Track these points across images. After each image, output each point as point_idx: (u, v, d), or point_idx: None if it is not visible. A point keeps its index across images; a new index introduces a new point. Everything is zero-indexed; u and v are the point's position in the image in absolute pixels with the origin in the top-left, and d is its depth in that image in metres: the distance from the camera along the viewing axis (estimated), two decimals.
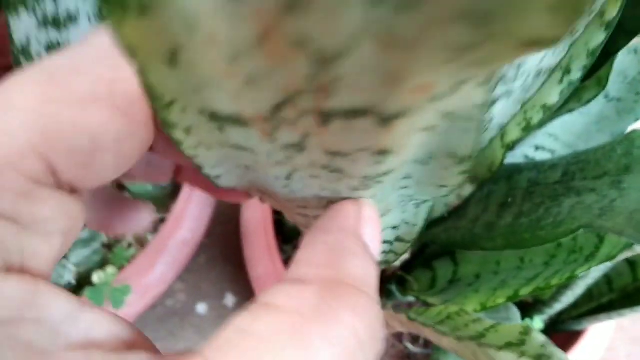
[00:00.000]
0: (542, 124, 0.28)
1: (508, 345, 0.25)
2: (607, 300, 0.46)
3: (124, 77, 0.13)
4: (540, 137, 0.37)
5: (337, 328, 0.12)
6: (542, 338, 0.25)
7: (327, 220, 0.16)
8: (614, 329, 0.78)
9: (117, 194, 0.22)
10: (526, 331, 0.26)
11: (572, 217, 0.27)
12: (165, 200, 0.57)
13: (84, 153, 0.13)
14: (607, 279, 0.47)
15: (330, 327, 0.12)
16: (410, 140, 0.12)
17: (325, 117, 0.10)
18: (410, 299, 0.56)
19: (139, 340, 0.13)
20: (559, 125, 0.37)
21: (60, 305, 0.12)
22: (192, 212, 0.53)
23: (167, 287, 0.51)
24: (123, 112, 0.13)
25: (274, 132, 0.11)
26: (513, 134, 0.30)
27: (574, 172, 0.30)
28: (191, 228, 0.52)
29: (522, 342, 0.25)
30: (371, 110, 0.10)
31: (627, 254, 0.28)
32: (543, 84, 0.25)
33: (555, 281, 0.32)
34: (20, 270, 0.12)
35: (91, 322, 0.12)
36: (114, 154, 0.14)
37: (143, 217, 0.22)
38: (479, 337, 0.27)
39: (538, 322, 0.52)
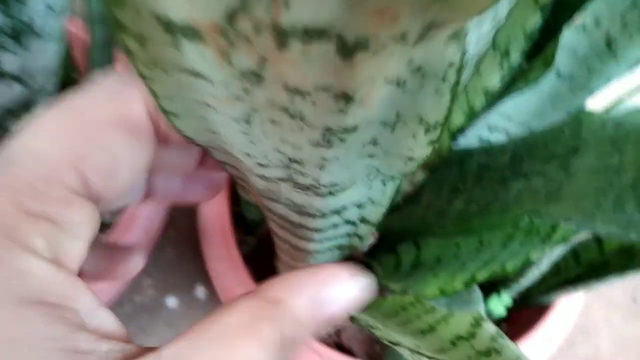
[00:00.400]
0: (486, 108, 0.27)
1: (458, 339, 0.24)
2: (574, 274, 0.46)
3: (132, 108, 0.16)
4: (493, 117, 0.36)
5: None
6: (492, 329, 0.24)
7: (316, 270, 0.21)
8: (592, 295, 0.79)
9: (108, 245, 0.24)
10: (477, 322, 0.25)
11: (519, 202, 0.26)
12: None
13: (108, 166, 0.16)
14: (574, 253, 0.46)
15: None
16: (375, 89, 0.11)
17: (282, 37, 0.10)
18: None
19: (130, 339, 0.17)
20: (511, 104, 0.35)
21: (87, 299, 0.15)
22: (144, 214, 0.51)
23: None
24: (134, 133, 0.17)
25: (230, 51, 0.11)
26: (457, 119, 0.28)
27: (522, 155, 0.28)
28: (145, 228, 0.50)
29: (472, 335, 0.24)
30: (330, 31, 0.09)
31: (581, 237, 0.27)
32: (480, 61, 0.23)
33: (509, 267, 0.31)
34: (60, 265, 0.15)
35: (104, 318, 0.15)
36: (129, 166, 0.17)
37: (134, 264, 0.25)
38: (429, 331, 0.26)
39: (506, 298, 0.52)
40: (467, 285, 0.35)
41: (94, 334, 0.14)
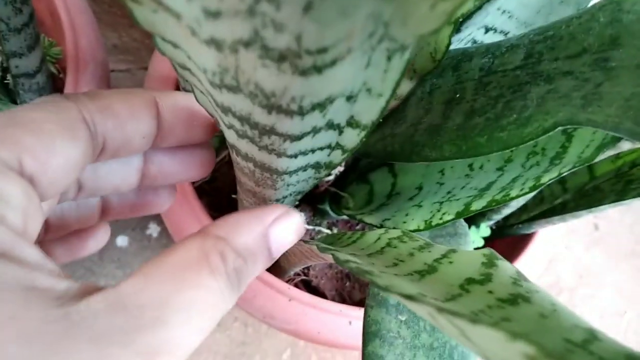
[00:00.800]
0: None
1: (469, 283, 0.19)
2: (560, 201, 0.42)
3: (67, 113, 0.20)
4: (490, 16, 0.30)
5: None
6: (511, 270, 0.19)
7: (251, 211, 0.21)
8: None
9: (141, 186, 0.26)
10: (490, 261, 0.20)
11: (544, 110, 0.21)
12: None
13: (42, 152, 0.18)
14: (560, 179, 0.42)
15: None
16: None
17: None
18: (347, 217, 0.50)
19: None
20: None
21: (33, 252, 0.16)
22: None
23: None
24: (68, 131, 0.19)
25: None
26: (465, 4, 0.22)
27: (540, 52, 0.23)
28: None
29: (486, 278, 0.19)
30: None
31: (609, 153, 0.22)
32: None
33: (514, 192, 0.26)
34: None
35: (53, 268, 0.16)
36: (63, 157, 0.19)
37: (99, 239, 0.27)
38: (428, 272, 0.21)
39: (484, 229, 0.48)
40: (460, 216, 0.30)
41: (48, 273, 0.16)
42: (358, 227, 0.56)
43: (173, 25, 0.13)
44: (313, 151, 0.21)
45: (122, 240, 0.70)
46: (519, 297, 0.16)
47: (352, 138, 0.20)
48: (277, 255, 0.22)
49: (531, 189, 0.25)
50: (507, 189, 0.27)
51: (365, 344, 0.26)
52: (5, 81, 0.52)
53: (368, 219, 0.39)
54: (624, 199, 0.36)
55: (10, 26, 0.40)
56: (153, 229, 0.72)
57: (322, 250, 0.23)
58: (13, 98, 0.53)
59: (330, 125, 0.18)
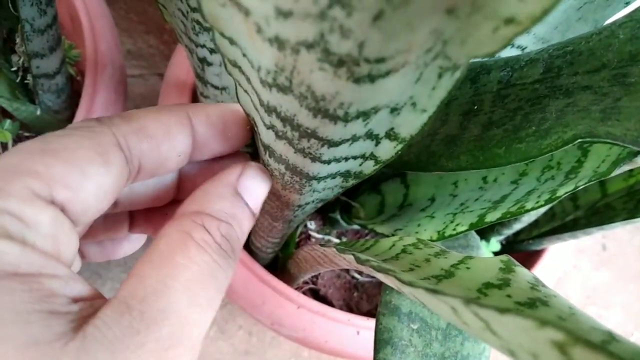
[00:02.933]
0: None
1: (487, 287, 0.19)
2: (571, 218, 0.42)
3: (101, 139, 0.19)
4: None
5: (188, 253, 0.18)
6: (529, 275, 0.19)
7: (214, 179, 0.22)
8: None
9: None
10: (508, 267, 0.20)
11: (563, 123, 0.21)
12: (58, 125, 0.48)
13: (74, 180, 0.18)
14: (572, 195, 0.42)
15: (183, 253, 0.18)
16: None
17: None
18: (359, 227, 0.50)
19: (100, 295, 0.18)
20: None
21: (60, 272, 0.17)
22: None
23: None
24: (102, 158, 0.19)
25: None
26: None
27: (559, 66, 0.23)
28: None
29: (505, 283, 0.19)
30: None
31: (625, 167, 0.22)
32: None
33: (530, 205, 0.26)
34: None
35: (77, 286, 0.17)
36: (95, 184, 0.19)
37: (134, 243, 0.28)
38: (446, 277, 0.21)
39: (494, 244, 0.48)
40: (474, 227, 0.30)
41: (68, 298, 0.16)
42: (368, 237, 0.56)
43: (239, 21, 0.14)
44: (347, 159, 0.21)
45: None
46: (537, 300, 0.17)
47: (387, 150, 0.20)
48: (256, 209, 0.22)
49: (547, 202, 0.25)
50: (522, 201, 0.27)
51: (377, 352, 0.26)
52: (25, 81, 0.53)
53: (380, 229, 0.39)
54: (636, 217, 0.36)
55: (34, 27, 0.40)
56: None
57: (340, 251, 0.23)
58: (32, 98, 0.54)
59: (369, 135, 0.19)
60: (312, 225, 0.52)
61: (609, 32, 0.22)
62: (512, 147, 0.23)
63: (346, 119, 0.16)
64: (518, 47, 0.32)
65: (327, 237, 0.52)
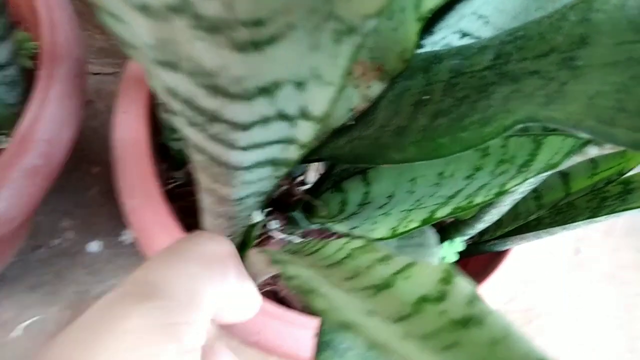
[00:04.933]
0: None
1: (423, 301, 0.18)
2: (535, 217, 0.41)
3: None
4: (465, 20, 0.29)
5: None
6: (467, 288, 0.18)
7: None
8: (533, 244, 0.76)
9: None
10: (448, 277, 0.19)
11: (506, 109, 0.20)
12: (11, 119, 0.46)
13: None
14: (536, 194, 0.41)
15: None
16: None
17: None
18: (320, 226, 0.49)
19: None
20: (490, 1, 0.28)
21: None
22: (43, 133, 0.42)
23: (15, 226, 0.41)
24: None
25: None
26: None
27: (509, 52, 0.22)
28: (43, 153, 0.41)
29: (441, 296, 0.18)
30: None
31: (575, 159, 0.21)
32: None
33: (479, 199, 0.25)
34: None
35: None
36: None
37: None
38: (384, 287, 0.20)
39: (458, 244, 0.47)
40: (425, 223, 0.29)
41: None
42: (333, 238, 0.55)
43: None
44: (267, 144, 0.20)
45: (94, 246, 0.68)
46: (471, 319, 0.15)
47: (305, 131, 0.18)
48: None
49: (496, 195, 0.24)
50: (473, 195, 0.26)
51: (317, 354, 0.25)
52: None
53: (337, 227, 0.38)
54: (598, 216, 0.35)
55: None
56: (127, 235, 0.70)
57: (273, 263, 0.21)
58: None
59: (282, 116, 0.17)
60: (274, 224, 0.50)
61: (560, 15, 0.21)
62: (456, 136, 0.22)
63: (247, 97, 0.14)
64: (477, 37, 0.30)
65: (289, 237, 0.50)
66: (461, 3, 0.25)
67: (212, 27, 0.11)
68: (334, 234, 0.54)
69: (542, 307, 0.80)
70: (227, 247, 0.25)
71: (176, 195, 0.52)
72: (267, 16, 0.11)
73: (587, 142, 0.20)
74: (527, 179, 0.23)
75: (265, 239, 0.50)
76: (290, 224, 0.51)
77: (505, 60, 0.22)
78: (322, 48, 0.13)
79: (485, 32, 0.30)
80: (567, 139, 0.23)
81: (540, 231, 0.40)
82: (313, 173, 0.56)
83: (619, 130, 0.16)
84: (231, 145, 0.19)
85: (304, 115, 0.17)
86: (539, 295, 0.81)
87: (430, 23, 0.27)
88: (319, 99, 0.16)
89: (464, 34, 0.30)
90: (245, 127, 0.17)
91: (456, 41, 0.30)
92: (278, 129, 0.18)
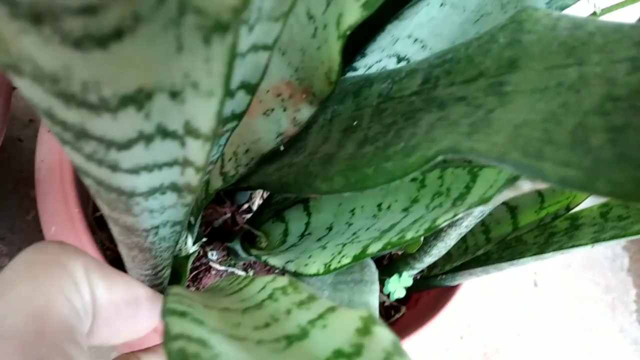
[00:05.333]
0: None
1: (337, 356, 0.15)
2: (483, 252, 0.39)
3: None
4: (400, 43, 0.27)
5: None
6: (387, 339, 0.15)
7: None
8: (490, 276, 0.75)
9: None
10: (366, 328, 0.16)
11: (430, 138, 0.18)
12: None
13: None
14: (484, 228, 0.40)
15: None
16: None
17: None
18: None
19: None
20: (425, 25, 0.27)
21: None
22: None
23: None
24: None
25: None
26: (351, 13, 0.19)
27: (437, 76, 0.20)
28: None
29: (357, 350, 0.15)
30: None
31: (508, 194, 0.19)
32: None
33: (410, 234, 0.23)
34: None
35: None
36: None
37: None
38: (297, 339, 0.17)
39: (406, 279, 0.45)
40: (357, 259, 0.27)
41: None
42: (278, 271, 0.52)
43: None
44: (159, 167, 0.17)
45: None
46: None
47: (197, 152, 0.16)
48: None
49: (426, 231, 0.22)
50: (405, 230, 0.24)
51: None
52: None
53: (272, 261, 0.35)
54: (546, 252, 0.34)
55: None
56: None
57: (164, 313, 0.19)
58: None
59: (165, 133, 0.15)
60: (213, 255, 0.47)
61: (489, 37, 0.19)
62: (380, 166, 0.20)
63: (109, 108, 0.12)
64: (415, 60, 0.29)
65: (230, 269, 0.47)
66: (391, 24, 0.23)
67: (33, 16, 0.09)
68: (267, 268, 0.52)
69: (499, 342, 0.78)
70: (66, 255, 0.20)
71: (105, 223, 0.49)
72: (99, 1, 0.09)
73: (518, 176, 0.18)
74: (457, 215, 0.21)
75: (204, 270, 0.47)
76: (232, 256, 0.48)
77: (433, 85, 0.20)
78: (190, 49, 0.11)
79: (422, 55, 0.28)
80: (502, 172, 0.21)
81: (489, 266, 0.38)
82: (258, 200, 0.53)
83: (546, 165, 0.14)
84: (114, 168, 0.16)
85: (190, 132, 0.15)
86: (495, 329, 0.79)
87: (361, 44, 0.26)
88: (202, 113, 0.14)
89: (401, 58, 0.28)
90: (122, 145, 0.15)
91: (393, 65, 0.28)
92: (165, 149, 0.16)
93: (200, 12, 0.10)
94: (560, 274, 0.87)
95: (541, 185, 0.19)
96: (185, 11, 0.10)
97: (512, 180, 0.19)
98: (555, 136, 0.15)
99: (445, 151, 0.16)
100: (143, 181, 0.18)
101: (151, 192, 0.19)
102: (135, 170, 0.17)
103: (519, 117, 0.16)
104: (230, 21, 0.10)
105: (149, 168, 0.17)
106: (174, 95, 0.13)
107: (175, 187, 0.19)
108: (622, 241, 0.72)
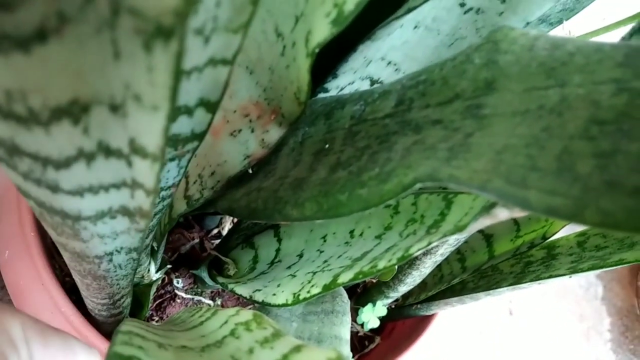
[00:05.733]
0: (359, 8, 0.17)
1: None
2: (459, 281, 0.38)
3: None
4: (374, 66, 0.26)
5: None
6: None
7: None
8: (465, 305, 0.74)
9: None
10: None
11: (406, 164, 0.17)
12: None
13: None
14: (460, 256, 0.38)
15: None
16: None
17: None
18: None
19: None
20: (399, 47, 0.26)
21: None
22: None
23: None
24: None
25: None
26: (320, 30, 0.18)
27: (411, 98, 0.19)
28: None
29: None
30: None
31: (484, 222, 0.18)
32: None
33: (382, 264, 0.22)
34: None
35: None
36: None
37: None
38: None
39: (380, 308, 0.43)
40: (327, 289, 0.25)
41: None
42: (246, 300, 0.50)
43: None
44: (104, 189, 0.16)
45: None
46: None
47: (146, 173, 0.14)
48: None
49: (399, 260, 0.21)
50: (377, 259, 0.22)
51: None
52: None
53: (239, 290, 0.34)
54: (522, 282, 0.33)
55: None
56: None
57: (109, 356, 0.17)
58: None
59: (108, 151, 0.13)
60: (179, 283, 0.45)
61: (464, 57, 0.18)
62: (354, 192, 0.18)
63: (40, 122, 0.11)
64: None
65: (197, 298, 0.45)
66: (363, 44, 0.22)
67: None
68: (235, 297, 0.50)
69: None
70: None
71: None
72: None
73: (494, 204, 0.17)
74: (430, 243, 0.20)
75: (169, 298, 0.45)
76: (198, 283, 0.46)
77: (408, 107, 0.19)
78: (129, 56, 0.10)
79: (396, 78, 0.27)
80: (477, 199, 0.20)
81: (465, 296, 0.37)
82: (229, 225, 0.52)
83: (531, 193, 0.13)
84: (53, 189, 0.15)
85: (137, 150, 0.13)
86: (471, 358, 0.78)
87: (332, 64, 0.25)
88: (147, 129, 0.12)
89: (374, 81, 0.27)
90: (60, 164, 0.13)
91: (366, 88, 0.27)
92: (110, 169, 0.14)
93: (137, 14, 0.08)
94: (535, 303, 0.87)
95: (518, 214, 0.18)
96: (119, 12, 0.08)
97: (488, 208, 0.17)
98: (540, 162, 0.14)
99: (423, 178, 0.15)
100: (88, 204, 0.16)
101: (99, 215, 0.17)
102: (78, 192, 0.15)
103: (499, 141, 0.15)
104: (173, 26, 0.09)
105: (93, 190, 0.15)
106: (114, 108, 0.12)
107: (126, 211, 0.18)
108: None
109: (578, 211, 0.12)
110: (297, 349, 0.17)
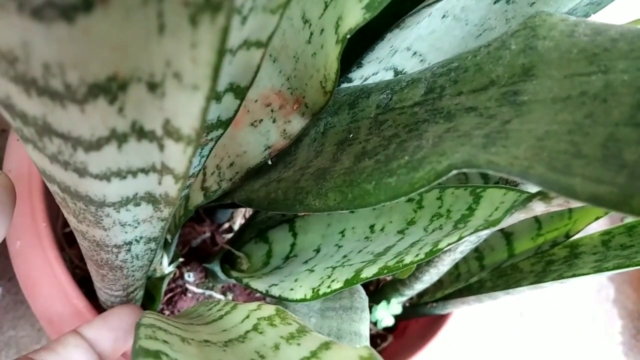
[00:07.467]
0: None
1: None
2: (477, 280, 0.37)
3: None
4: (398, 55, 0.26)
5: None
6: None
7: None
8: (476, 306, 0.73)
9: None
10: None
11: (439, 151, 0.16)
12: None
13: None
14: (478, 254, 0.38)
15: None
16: None
17: None
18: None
19: None
20: (426, 37, 0.25)
21: None
22: None
23: None
24: None
25: None
26: (352, 15, 0.18)
27: (442, 86, 0.19)
28: None
29: None
30: None
31: (518, 216, 0.17)
32: None
33: (409, 258, 0.21)
34: None
35: None
36: None
37: None
38: None
39: (395, 306, 0.43)
40: (349, 284, 0.25)
41: None
42: (259, 296, 0.50)
43: None
44: (133, 174, 0.15)
45: None
46: None
47: (178, 157, 0.14)
48: None
49: (427, 255, 0.20)
50: (403, 254, 0.22)
51: None
52: None
53: (254, 284, 0.33)
54: (544, 281, 0.32)
55: None
56: None
57: (132, 356, 0.16)
58: None
59: (141, 132, 0.13)
60: (190, 277, 0.45)
61: (500, 44, 0.18)
62: (382, 181, 0.18)
63: (75, 98, 0.10)
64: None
65: (208, 293, 0.45)
66: (392, 32, 0.22)
67: None
68: (248, 292, 0.49)
69: None
70: None
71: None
72: None
73: (531, 197, 0.17)
74: (462, 238, 0.19)
75: (180, 292, 0.44)
76: (210, 278, 0.45)
77: (439, 94, 0.18)
78: (173, 30, 0.09)
79: (420, 68, 0.27)
80: (508, 193, 0.20)
81: (482, 295, 0.37)
82: (240, 219, 0.51)
83: (576, 181, 0.12)
84: (81, 172, 0.14)
85: (171, 133, 0.13)
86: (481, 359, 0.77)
87: (358, 54, 0.24)
88: (185, 110, 0.12)
89: (398, 72, 0.26)
90: (91, 145, 0.13)
91: (389, 78, 0.27)
92: (141, 152, 0.14)
93: None
94: (546, 304, 0.86)
95: (555, 208, 0.17)
96: None
97: (523, 202, 0.17)
98: (584, 149, 0.13)
99: (458, 165, 0.15)
100: (114, 189, 0.16)
101: (123, 202, 0.17)
102: (105, 176, 0.15)
103: (540, 128, 0.14)
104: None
105: (121, 174, 0.15)
106: (153, 87, 0.11)
107: (151, 198, 0.17)
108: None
109: (624, 200, 0.12)
110: (325, 345, 0.16)
